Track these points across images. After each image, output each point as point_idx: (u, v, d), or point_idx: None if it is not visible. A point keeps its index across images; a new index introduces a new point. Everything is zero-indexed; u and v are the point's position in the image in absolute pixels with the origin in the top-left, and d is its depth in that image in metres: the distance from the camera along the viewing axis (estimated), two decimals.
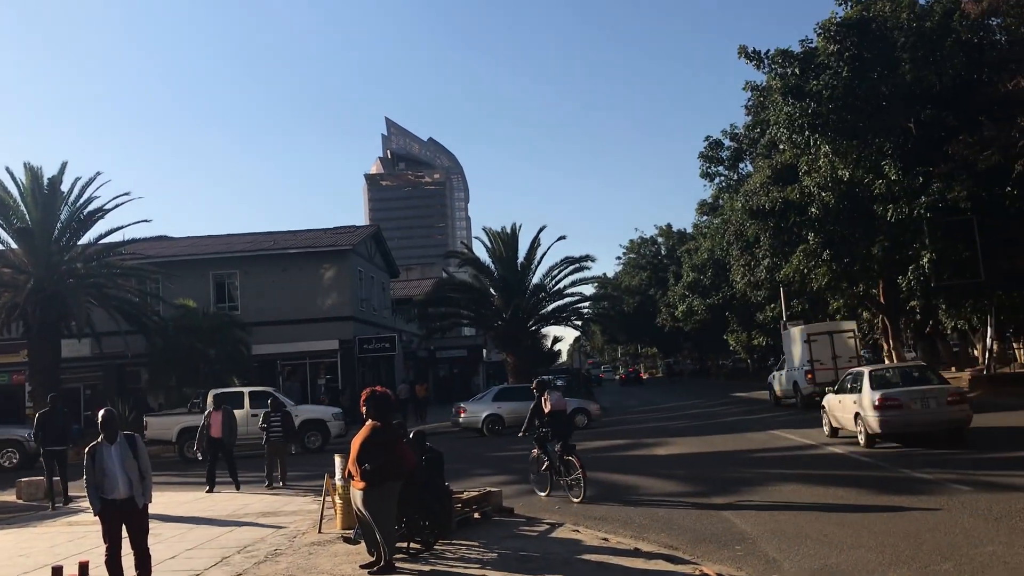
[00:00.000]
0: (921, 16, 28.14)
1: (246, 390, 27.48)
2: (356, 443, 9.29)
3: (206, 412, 18.48)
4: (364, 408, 9.42)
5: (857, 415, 17.76)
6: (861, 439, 17.65)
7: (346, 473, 10.06)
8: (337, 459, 11.84)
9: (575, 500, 13.39)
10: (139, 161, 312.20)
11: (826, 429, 20.13)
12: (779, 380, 34.14)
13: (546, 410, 14.21)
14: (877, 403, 16.92)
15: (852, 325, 33.13)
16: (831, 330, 31.94)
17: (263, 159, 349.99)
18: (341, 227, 47.33)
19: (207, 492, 17.26)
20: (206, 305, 36.88)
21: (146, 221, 58.15)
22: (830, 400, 20.06)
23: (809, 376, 30.24)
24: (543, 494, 14.30)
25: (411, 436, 11.36)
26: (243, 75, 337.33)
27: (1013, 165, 24.64)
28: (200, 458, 18.86)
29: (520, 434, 15.43)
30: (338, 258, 40.92)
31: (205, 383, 30.63)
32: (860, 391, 17.78)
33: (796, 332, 32.47)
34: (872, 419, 17.03)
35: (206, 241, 45.39)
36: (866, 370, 18.74)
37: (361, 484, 9.14)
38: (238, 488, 17.34)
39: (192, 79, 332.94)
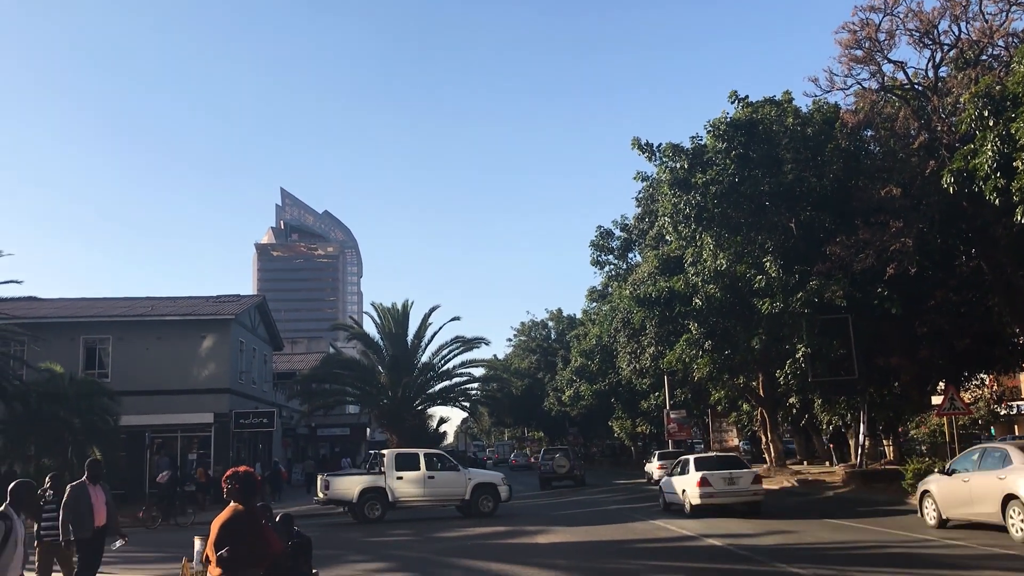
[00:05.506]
0: (804, 121, 29.59)
1: (421, 452, 27.18)
2: (215, 526, 8.60)
3: (72, 486, 11.89)
4: (226, 488, 8.79)
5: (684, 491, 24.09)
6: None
7: (204, 558, 9.32)
8: (196, 541, 11.06)
9: None
10: (11, 220, 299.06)
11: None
12: None
13: None
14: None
15: None
16: None
17: (148, 224, 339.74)
18: (224, 296, 45.98)
19: None
20: (74, 371, 34.92)
21: (16, 282, 54.01)
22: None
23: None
24: None
25: (277, 520, 10.69)
26: (128, 137, 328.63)
27: (886, 268, 25.79)
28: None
29: None
30: (219, 327, 39.58)
31: (65, 454, 28.81)
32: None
33: None
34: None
35: (78, 304, 43.34)
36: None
37: (217, 571, 8.43)
38: None
39: (75, 136, 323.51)
